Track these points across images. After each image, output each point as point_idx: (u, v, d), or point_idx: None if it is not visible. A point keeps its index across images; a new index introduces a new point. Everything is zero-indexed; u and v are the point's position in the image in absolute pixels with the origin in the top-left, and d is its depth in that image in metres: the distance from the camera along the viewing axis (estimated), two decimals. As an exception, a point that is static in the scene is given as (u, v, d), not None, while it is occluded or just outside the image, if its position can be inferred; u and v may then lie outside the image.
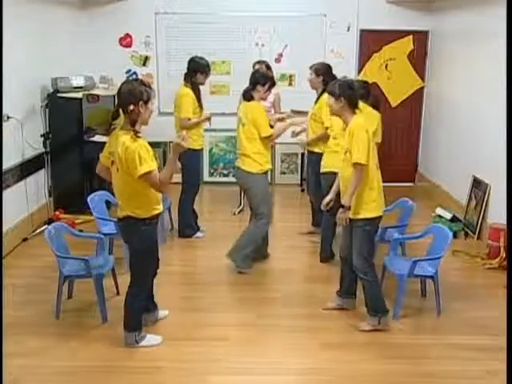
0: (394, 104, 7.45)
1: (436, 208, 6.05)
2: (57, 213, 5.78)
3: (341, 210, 3.58)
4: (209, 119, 5.32)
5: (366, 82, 5.16)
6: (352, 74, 7.14)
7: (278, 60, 7.26)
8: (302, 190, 7.36)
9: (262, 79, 4.55)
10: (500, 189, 4.94)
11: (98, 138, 6.06)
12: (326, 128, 4.72)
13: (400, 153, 7.62)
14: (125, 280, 4.21)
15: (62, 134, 5.86)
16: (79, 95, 5.82)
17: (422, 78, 7.41)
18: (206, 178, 7.44)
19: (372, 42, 7.26)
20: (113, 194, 4.99)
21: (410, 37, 7.25)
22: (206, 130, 5.53)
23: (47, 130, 5.83)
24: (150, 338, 3.55)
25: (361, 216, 3.57)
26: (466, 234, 5.62)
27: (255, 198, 4.65)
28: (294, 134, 5.25)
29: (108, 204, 4.95)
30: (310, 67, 5.05)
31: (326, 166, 4.62)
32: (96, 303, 3.83)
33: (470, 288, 4.46)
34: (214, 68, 7.06)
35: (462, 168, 6.03)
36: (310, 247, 5.27)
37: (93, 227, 5.14)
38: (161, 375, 3.28)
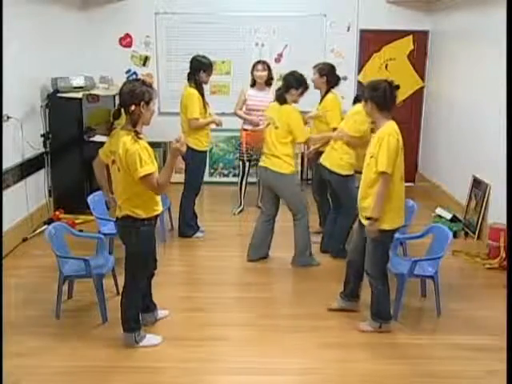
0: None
1: (436, 208, 6.05)
2: (57, 213, 5.78)
3: (369, 222, 3.46)
4: (218, 124, 5.32)
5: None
6: (352, 74, 7.15)
7: (277, 60, 7.26)
8: (302, 190, 7.34)
9: (295, 83, 4.51)
10: (500, 189, 4.94)
11: (98, 138, 6.06)
12: (333, 129, 4.73)
13: (400, 153, 7.61)
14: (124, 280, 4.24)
15: (62, 133, 5.86)
16: (79, 95, 5.82)
17: (422, 78, 7.41)
18: (206, 178, 7.42)
19: (372, 42, 7.26)
20: (112, 193, 5.04)
21: (410, 37, 7.25)
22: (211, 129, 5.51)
23: (47, 129, 5.83)
24: (150, 338, 3.56)
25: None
26: (466, 234, 5.62)
27: (292, 198, 4.66)
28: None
29: (108, 204, 4.95)
30: (314, 67, 5.06)
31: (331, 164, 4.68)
32: (96, 303, 3.83)
33: (470, 288, 4.46)
34: (214, 68, 7.07)
35: (462, 168, 6.03)
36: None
37: (93, 227, 5.14)
38: (161, 375, 3.28)
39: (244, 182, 6.25)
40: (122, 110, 3.25)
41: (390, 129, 3.43)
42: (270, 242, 4.95)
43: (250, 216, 6.16)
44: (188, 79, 5.17)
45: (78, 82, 6.03)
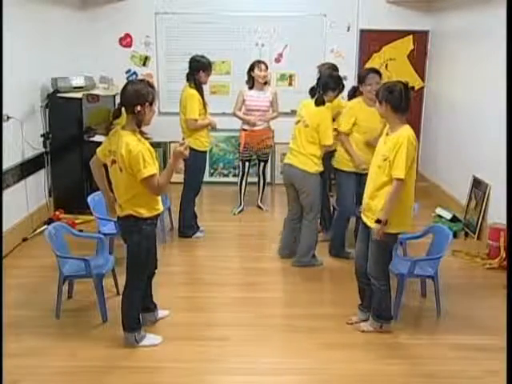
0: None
1: (436, 208, 6.05)
2: (57, 213, 5.78)
3: (376, 225, 3.43)
4: (213, 126, 5.32)
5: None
6: (352, 75, 7.14)
7: (277, 60, 7.26)
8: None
9: (333, 84, 4.48)
10: (500, 189, 4.94)
11: (98, 138, 6.06)
12: (334, 129, 4.73)
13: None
14: (125, 280, 4.24)
15: (62, 133, 5.86)
16: (79, 95, 5.82)
17: (422, 78, 7.41)
18: (206, 177, 7.42)
19: (372, 42, 7.26)
20: (112, 193, 5.04)
21: (410, 37, 7.26)
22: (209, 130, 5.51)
23: (47, 130, 5.82)
24: (150, 338, 3.56)
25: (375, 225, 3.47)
26: (466, 234, 5.62)
27: (310, 197, 4.64)
28: None
29: (106, 203, 4.94)
30: (318, 66, 5.08)
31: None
32: (96, 303, 3.83)
33: (470, 288, 4.46)
34: (213, 68, 7.05)
35: (462, 168, 6.03)
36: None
37: (93, 227, 5.14)
38: (161, 375, 3.28)
39: (244, 182, 6.25)
40: (123, 109, 3.25)
41: (409, 135, 3.41)
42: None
43: (250, 216, 6.17)
44: (187, 79, 5.17)
45: (78, 82, 6.03)
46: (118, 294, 4.15)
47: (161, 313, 3.86)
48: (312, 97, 4.54)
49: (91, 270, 3.76)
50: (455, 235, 5.36)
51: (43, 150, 5.80)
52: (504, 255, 4.74)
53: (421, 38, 7.28)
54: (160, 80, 7.27)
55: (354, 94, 4.77)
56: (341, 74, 5.05)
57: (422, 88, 7.44)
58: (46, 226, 5.08)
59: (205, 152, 5.31)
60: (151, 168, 3.16)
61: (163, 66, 7.29)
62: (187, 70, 5.17)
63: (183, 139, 5.11)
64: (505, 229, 4.77)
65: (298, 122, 4.59)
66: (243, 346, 3.58)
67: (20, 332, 3.66)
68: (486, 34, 5.54)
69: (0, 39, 4.60)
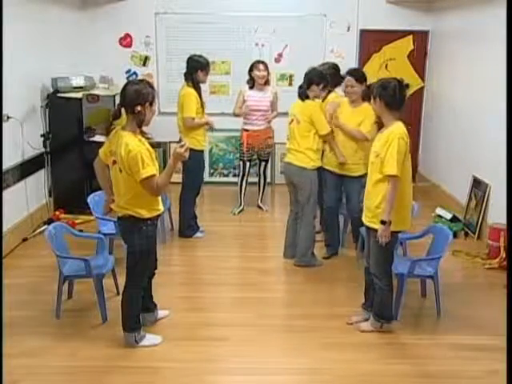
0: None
1: (436, 208, 6.04)
2: (57, 213, 5.78)
3: (382, 226, 3.42)
4: (210, 127, 5.31)
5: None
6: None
7: (277, 60, 7.26)
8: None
9: (316, 78, 4.54)
10: (500, 189, 4.94)
11: (98, 138, 6.05)
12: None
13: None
14: (125, 280, 4.24)
15: (62, 134, 5.86)
16: (79, 95, 5.82)
17: (422, 78, 7.41)
18: (206, 177, 7.43)
19: (372, 41, 7.26)
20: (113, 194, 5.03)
21: (410, 37, 7.25)
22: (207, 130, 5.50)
23: (47, 130, 5.83)
24: (150, 338, 3.56)
25: (373, 226, 3.48)
26: (466, 234, 5.62)
27: (305, 194, 4.67)
28: None
29: (105, 202, 4.95)
30: (318, 67, 5.07)
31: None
32: (96, 303, 3.83)
33: (469, 288, 4.46)
34: (213, 68, 7.07)
35: (462, 168, 6.03)
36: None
37: (93, 227, 5.14)
38: (161, 375, 3.28)
39: (244, 182, 6.25)
40: (123, 110, 3.25)
41: (399, 131, 3.41)
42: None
43: (250, 216, 6.17)
44: (185, 79, 5.16)
45: (78, 81, 6.03)
46: (118, 294, 4.15)
47: (161, 313, 3.86)
48: (299, 95, 4.65)
49: (91, 269, 3.76)
50: (455, 235, 5.36)
51: (43, 150, 5.80)
52: (504, 255, 4.74)
53: (421, 38, 7.27)
54: (160, 80, 7.27)
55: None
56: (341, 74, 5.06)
57: (422, 88, 7.44)
58: (45, 226, 5.08)
59: (202, 151, 5.30)
60: (150, 169, 3.15)
61: (163, 66, 7.29)
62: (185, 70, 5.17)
63: (180, 139, 5.11)
64: (505, 229, 4.77)
65: (292, 121, 4.66)
66: (243, 346, 3.58)
67: (20, 332, 3.66)
68: (486, 34, 5.54)
69: (0, 39, 4.60)
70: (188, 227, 5.42)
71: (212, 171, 7.54)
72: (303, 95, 4.58)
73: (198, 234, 5.46)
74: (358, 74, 4.62)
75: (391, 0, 7.07)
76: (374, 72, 7.25)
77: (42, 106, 5.76)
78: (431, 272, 3.94)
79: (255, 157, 6.23)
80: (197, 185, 5.39)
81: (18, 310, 3.96)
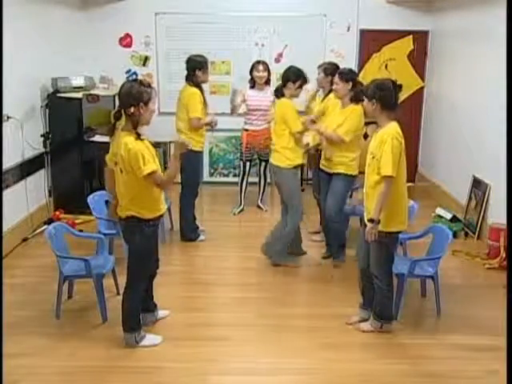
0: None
1: (436, 208, 6.04)
2: (57, 213, 5.78)
3: (370, 224, 3.42)
4: (212, 126, 5.31)
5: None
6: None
7: (277, 60, 7.26)
8: (302, 190, 7.34)
9: (292, 76, 4.55)
10: (500, 189, 4.95)
11: (98, 138, 6.06)
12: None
13: (401, 153, 7.60)
14: (125, 280, 4.23)
15: (62, 134, 5.86)
16: (79, 95, 5.82)
17: (422, 78, 7.41)
18: (206, 178, 7.44)
19: (372, 42, 7.26)
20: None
21: (410, 37, 7.25)
22: (206, 130, 5.49)
23: (47, 130, 5.83)
24: (150, 338, 3.56)
25: (379, 229, 3.45)
26: (466, 234, 5.62)
27: (285, 193, 4.70)
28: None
29: (108, 204, 4.95)
30: (319, 67, 5.10)
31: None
32: (96, 303, 3.83)
33: (470, 288, 4.46)
34: (213, 68, 7.08)
35: (462, 168, 6.03)
36: (311, 246, 5.27)
37: (93, 227, 5.14)
38: (161, 375, 3.28)
39: (244, 182, 6.25)
40: (123, 111, 3.25)
41: (393, 131, 3.40)
42: (300, 240, 4.99)
43: (250, 216, 6.18)
44: (186, 80, 5.15)
45: (78, 82, 6.03)
46: (118, 294, 4.15)
47: (161, 313, 3.86)
48: (275, 92, 4.71)
49: (91, 269, 3.76)
50: (455, 235, 5.36)
51: (43, 150, 5.80)
52: (504, 255, 4.74)
53: (421, 38, 7.27)
54: (160, 80, 7.27)
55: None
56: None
57: (422, 88, 7.44)
58: (45, 226, 5.07)
59: (200, 152, 5.28)
60: (151, 165, 3.16)
61: (163, 66, 7.29)
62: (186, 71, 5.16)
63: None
64: (505, 229, 4.77)
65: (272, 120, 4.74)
66: (243, 346, 3.58)
67: (20, 332, 3.66)
68: (486, 34, 5.54)
69: (0, 39, 4.60)
70: (192, 231, 5.39)
71: (212, 171, 7.54)
72: (278, 93, 4.61)
73: (202, 238, 5.43)
74: (343, 72, 4.55)
75: (391, 0, 7.07)
76: (374, 72, 7.26)
77: (42, 106, 5.76)
78: (431, 272, 3.95)
79: (255, 157, 6.23)
80: (195, 186, 5.34)
81: (17, 309, 3.96)
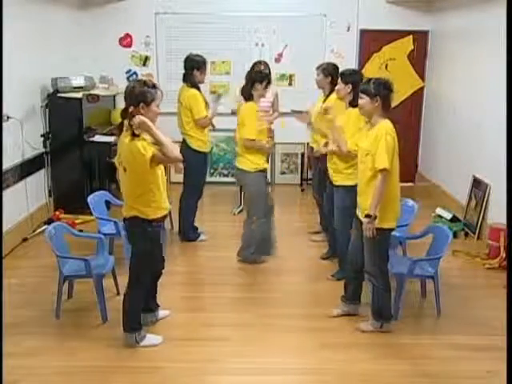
0: (393, 104, 7.42)
1: (436, 208, 6.05)
2: (57, 213, 5.78)
3: (367, 219, 3.43)
4: (213, 125, 5.30)
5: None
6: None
7: (277, 60, 7.26)
8: (302, 190, 7.37)
9: (259, 77, 4.56)
10: (500, 189, 4.95)
11: (98, 138, 6.08)
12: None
13: (400, 153, 7.53)
14: (125, 280, 4.23)
15: (62, 134, 5.86)
16: (79, 95, 5.82)
17: (422, 78, 7.41)
18: (206, 177, 7.42)
19: (372, 42, 7.26)
20: (113, 194, 5.05)
21: (410, 37, 7.25)
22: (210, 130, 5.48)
23: (47, 130, 5.83)
24: (151, 338, 3.56)
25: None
26: (466, 234, 5.62)
27: (249, 197, 4.72)
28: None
29: (108, 204, 4.96)
30: (317, 68, 5.03)
31: None
32: (96, 303, 3.83)
33: (470, 288, 4.46)
34: (213, 68, 7.09)
35: (462, 168, 6.03)
36: (311, 247, 5.27)
37: (93, 227, 5.14)
38: (161, 375, 3.28)
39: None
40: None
41: (387, 127, 3.44)
42: (271, 241, 4.97)
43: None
44: (183, 80, 5.12)
45: (78, 82, 6.02)
46: (118, 293, 4.15)
47: (161, 313, 3.86)
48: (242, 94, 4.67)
49: (91, 270, 3.76)
50: (455, 235, 5.36)
51: (43, 150, 5.80)
52: (504, 255, 4.74)
53: (421, 38, 7.27)
54: (160, 80, 7.26)
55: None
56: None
57: (422, 88, 7.44)
58: (45, 226, 5.08)
59: (206, 153, 5.26)
60: (151, 150, 3.15)
61: (163, 66, 7.29)
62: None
63: (184, 140, 5.10)
64: (505, 229, 4.77)
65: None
66: (243, 346, 3.58)
67: (20, 332, 3.66)
68: (486, 34, 5.54)
69: (0, 39, 4.60)
70: (191, 231, 5.36)
71: (212, 171, 7.54)
72: (246, 95, 4.57)
73: (202, 237, 5.42)
74: (344, 73, 4.42)
75: (391, 0, 7.07)
76: (374, 72, 7.25)
77: (42, 106, 5.76)
78: (431, 272, 3.95)
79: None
80: (198, 187, 5.32)
81: (18, 309, 3.96)
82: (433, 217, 5.92)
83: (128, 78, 7.23)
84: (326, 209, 4.83)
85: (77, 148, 5.92)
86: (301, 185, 7.48)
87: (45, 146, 5.82)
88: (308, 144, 5.67)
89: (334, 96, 4.95)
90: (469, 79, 6.00)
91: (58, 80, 5.80)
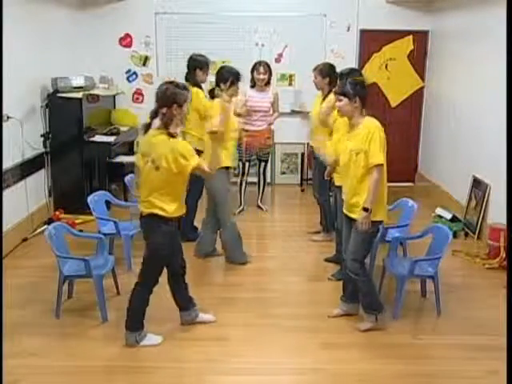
0: (393, 104, 7.46)
1: (436, 208, 6.05)
2: (57, 213, 5.78)
3: (364, 213, 3.47)
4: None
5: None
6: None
7: (277, 60, 7.26)
8: (302, 190, 7.37)
9: (221, 77, 4.58)
10: (500, 189, 4.95)
11: (98, 138, 6.08)
12: None
13: (400, 153, 7.60)
14: (125, 280, 4.25)
15: (62, 134, 5.86)
16: (79, 95, 5.82)
17: (422, 78, 7.41)
18: (206, 178, 7.44)
19: (372, 42, 7.26)
20: (113, 194, 5.06)
21: (410, 37, 7.25)
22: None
23: (47, 130, 5.83)
24: (151, 338, 3.55)
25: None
26: (466, 234, 5.62)
27: (212, 192, 4.72)
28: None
29: (108, 204, 4.96)
30: (314, 69, 5.02)
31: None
32: (96, 303, 3.83)
33: (470, 288, 4.46)
34: (213, 68, 7.07)
35: (462, 168, 6.03)
36: (311, 247, 5.28)
37: (93, 227, 5.14)
38: (161, 375, 3.28)
39: (244, 182, 6.25)
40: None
41: (376, 124, 3.51)
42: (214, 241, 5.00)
43: (250, 216, 6.17)
44: (186, 79, 5.12)
45: (78, 82, 6.03)
46: (118, 294, 4.16)
47: (205, 317, 3.82)
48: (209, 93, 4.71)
49: (91, 269, 3.76)
50: (455, 235, 5.36)
51: (43, 149, 5.80)
52: (504, 255, 4.74)
53: (421, 38, 7.27)
54: (160, 80, 7.26)
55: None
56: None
57: (422, 88, 7.44)
58: (45, 226, 5.08)
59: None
60: (194, 158, 3.24)
61: (163, 66, 7.28)
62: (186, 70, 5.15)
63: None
64: (505, 229, 4.77)
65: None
66: (243, 346, 3.58)
67: (20, 332, 3.66)
68: (486, 34, 5.54)
69: (0, 39, 4.60)
70: (193, 231, 5.36)
71: (212, 171, 7.53)
72: (210, 94, 4.62)
73: None
74: (342, 73, 4.41)
75: (391, 0, 7.07)
76: (374, 72, 7.27)
77: (42, 106, 5.76)
78: (431, 272, 3.95)
79: (254, 157, 6.23)
80: (199, 187, 5.31)
81: (18, 309, 3.96)
82: (433, 217, 5.93)
83: (128, 78, 7.25)
84: (333, 210, 4.82)
85: (77, 148, 5.92)
86: (301, 185, 7.48)
87: (45, 146, 5.82)
88: (308, 144, 5.66)
89: (332, 96, 4.95)
90: (469, 79, 6.00)
91: (58, 80, 5.80)
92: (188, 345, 3.58)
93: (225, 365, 3.39)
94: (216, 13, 7.09)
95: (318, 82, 4.99)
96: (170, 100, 3.22)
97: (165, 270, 3.57)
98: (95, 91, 6.16)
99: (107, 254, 4.23)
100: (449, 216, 5.79)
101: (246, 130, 5.99)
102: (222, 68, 4.78)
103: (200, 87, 5.11)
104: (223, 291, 4.38)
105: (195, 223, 5.45)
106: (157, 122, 3.29)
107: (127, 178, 5.26)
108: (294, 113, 7.13)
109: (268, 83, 5.96)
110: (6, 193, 4.87)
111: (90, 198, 4.60)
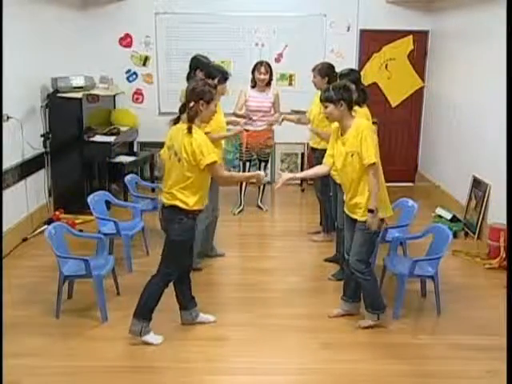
0: (394, 104, 7.45)
1: (436, 208, 6.05)
2: (57, 213, 5.78)
3: (370, 214, 3.48)
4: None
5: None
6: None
7: (277, 60, 7.26)
8: (302, 190, 7.36)
9: (210, 74, 4.54)
10: (500, 189, 4.94)
11: (98, 138, 6.08)
12: None
13: (400, 153, 7.62)
14: (125, 280, 4.25)
15: (62, 134, 5.86)
16: (79, 95, 5.82)
17: (422, 78, 7.41)
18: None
19: (372, 42, 7.26)
20: (113, 194, 5.06)
21: (410, 37, 7.25)
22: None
23: (47, 130, 5.83)
24: (153, 336, 3.55)
25: (366, 218, 3.52)
26: (466, 234, 5.62)
27: None
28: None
29: (108, 204, 4.96)
30: (313, 69, 5.02)
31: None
32: (96, 303, 3.83)
33: (470, 288, 4.46)
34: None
35: (462, 168, 6.03)
36: (311, 247, 5.28)
37: (93, 227, 5.14)
38: (161, 375, 3.28)
39: (244, 182, 6.25)
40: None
41: (365, 124, 3.56)
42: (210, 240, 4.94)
43: (250, 216, 6.18)
44: (187, 79, 5.13)
45: (78, 82, 6.02)
46: (118, 294, 4.16)
47: (204, 317, 3.82)
48: None
49: (91, 270, 3.76)
50: (455, 235, 5.36)
51: (43, 149, 5.80)
52: (504, 255, 4.74)
53: (421, 38, 7.27)
54: (160, 80, 7.27)
55: None
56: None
57: (422, 88, 7.44)
58: (45, 226, 5.08)
59: None
60: (211, 156, 3.28)
61: (163, 66, 7.28)
62: (188, 70, 5.14)
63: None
64: (505, 229, 4.77)
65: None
66: (243, 346, 3.58)
67: (20, 332, 3.66)
68: (486, 33, 5.54)
69: (0, 39, 4.60)
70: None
71: (212, 171, 7.53)
72: None
73: None
74: (342, 74, 4.37)
75: (391, 0, 7.07)
76: (374, 72, 7.27)
77: (41, 106, 5.76)
78: (431, 272, 3.94)
79: (255, 157, 6.23)
80: None
81: (18, 309, 3.96)
82: (433, 217, 5.93)
83: (128, 78, 7.25)
84: (333, 209, 4.82)
85: (77, 148, 5.92)
86: (301, 185, 7.47)
87: (45, 146, 5.82)
88: (308, 144, 5.67)
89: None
90: (469, 79, 6.00)
91: (58, 80, 5.80)
92: (188, 345, 3.58)
93: (225, 365, 3.39)
94: (216, 13, 7.09)
95: (317, 81, 4.98)
96: (198, 96, 3.32)
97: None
98: (95, 91, 6.16)
99: (107, 254, 4.23)
100: (449, 216, 5.79)
101: (247, 130, 5.99)
102: (210, 65, 4.74)
103: None
104: (223, 291, 4.38)
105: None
106: (184, 116, 3.38)
107: (127, 178, 5.27)
108: (294, 113, 7.12)
109: (269, 83, 5.95)
110: (5, 193, 4.87)
111: (89, 198, 4.60)
